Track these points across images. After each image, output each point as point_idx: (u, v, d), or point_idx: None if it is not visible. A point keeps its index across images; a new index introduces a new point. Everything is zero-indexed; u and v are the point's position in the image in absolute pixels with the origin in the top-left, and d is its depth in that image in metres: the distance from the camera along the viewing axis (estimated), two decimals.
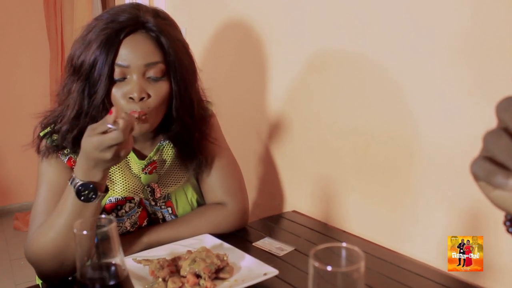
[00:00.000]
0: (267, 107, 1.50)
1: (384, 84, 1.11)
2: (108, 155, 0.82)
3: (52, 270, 0.94)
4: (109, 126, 0.81)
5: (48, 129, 1.02)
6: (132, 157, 1.08)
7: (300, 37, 1.33)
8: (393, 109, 1.09)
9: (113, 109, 0.82)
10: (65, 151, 1.01)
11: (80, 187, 0.86)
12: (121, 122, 0.81)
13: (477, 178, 0.41)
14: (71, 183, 0.87)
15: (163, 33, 0.96)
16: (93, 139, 0.82)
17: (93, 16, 3.09)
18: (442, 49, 0.97)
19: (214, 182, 1.16)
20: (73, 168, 0.98)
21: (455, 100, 0.96)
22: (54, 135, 1.00)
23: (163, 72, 0.97)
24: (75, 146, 0.97)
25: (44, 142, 1.01)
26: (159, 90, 0.97)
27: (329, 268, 0.45)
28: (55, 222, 0.90)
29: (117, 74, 0.94)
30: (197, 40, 1.78)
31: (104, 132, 0.82)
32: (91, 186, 0.86)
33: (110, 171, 1.05)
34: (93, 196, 0.86)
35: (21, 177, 3.50)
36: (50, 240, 0.91)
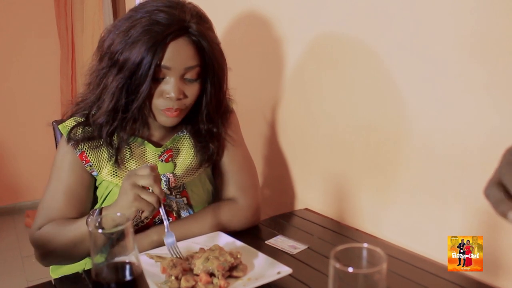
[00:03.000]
0: (278, 104, 1.49)
1: (397, 81, 1.09)
2: (137, 204, 0.89)
3: (51, 257, 1.05)
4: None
5: (80, 119, 1.07)
6: (148, 146, 1.11)
7: (313, 33, 1.31)
8: (406, 106, 1.08)
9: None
10: (80, 146, 1.05)
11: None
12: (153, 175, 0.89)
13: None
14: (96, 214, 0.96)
15: (204, 38, 0.99)
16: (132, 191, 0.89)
17: (103, 15, 3.09)
18: (456, 46, 0.95)
19: (228, 177, 1.17)
20: (83, 162, 1.05)
21: (469, 97, 0.95)
22: (87, 127, 1.05)
23: (199, 75, 1.02)
24: (110, 138, 1.04)
25: (76, 130, 1.06)
26: (194, 91, 1.03)
27: (350, 269, 0.44)
28: (68, 232, 0.99)
29: (158, 74, 0.98)
30: None
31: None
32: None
33: (126, 163, 1.09)
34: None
35: (32, 175, 3.53)
36: (54, 241, 1.00)
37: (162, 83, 1.00)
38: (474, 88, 0.93)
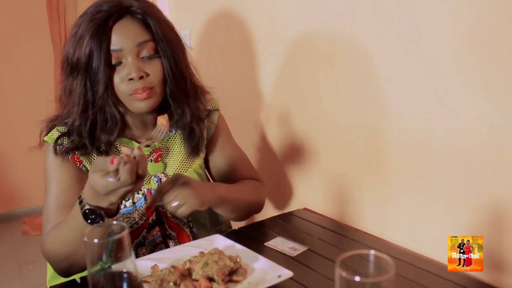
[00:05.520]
0: (275, 105, 1.48)
1: (394, 81, 1.08)
2: (113, 198, 0.80)
3: (64, 268, 0.97)
4: (110, 179, 0.76)
5: (63, 128, 1.04)
6: (135, 146, 1.08)
7: (308, 34, 1.30)
8: (404, 105, 1.07)
9: (114, 160, 0.76)
10: (69, 154, 1.02)
11: (87, 211, 0.84)
12: (122, 172, 0.76)
13: None
14: (79, 203, 0.85)
15: (148, 14, 1.00)
16: (97, 182, 0.78)
17: None
18: (453, 44, 0.94)
19: (235, 161, 1.22)
20: (77, 164, 1.03)
21: (468, 96, 0.94)
22: (72, 136, 1.02)
23: (155, 50, 1.01)
24: (92, 140, 1.01)
25: (62, 141, 1.02)
26: (156, 67, 1.01)
27: (357, 278, 0.43)
28: (64, 232, 0.92)
29: (113, 60, 0.98)
30: (201, 40, 1.76)
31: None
32: (98, 212, 0.83)
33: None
34: (99, 221, 0.84)
35: (28, 181, 3.49)
36: (60, 246, 0.93)
37: (120, 68, 0.98)
38: (472, 87, 0.92)
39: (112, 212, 0.87)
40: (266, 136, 1.54)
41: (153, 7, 1.03)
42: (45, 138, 1.05)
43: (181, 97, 1.07)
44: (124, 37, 0.97)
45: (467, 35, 0.92)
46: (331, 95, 1.27)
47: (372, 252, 0.46)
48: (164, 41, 1.01)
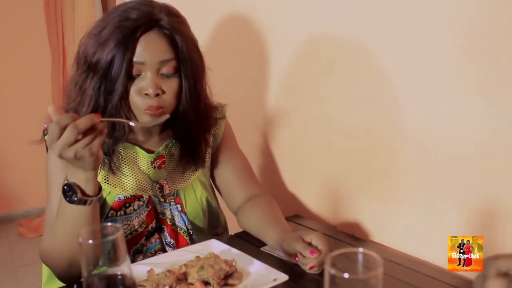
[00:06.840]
0: (271, 107, 1.48)
1: (391, 83, 1.09)
2: (70, 153, 0.79)
3: (63, 270, 0.95)
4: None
5: None
6: (140, 152, 1.08)
7: (307, 35, 1.31)
8: (401, 108, 1.07)
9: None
10: None
11: (65, 187, 0.86)
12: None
13: None
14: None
15: (176, 31, 0.99)
16: (56, 143, 0.79)
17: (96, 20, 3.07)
18: (449, 47, 0.95)
19: (241, 173, 1.20)
20: None
21: (465, 98, 0.94)
22: None
23: (176, 69, 1.00)
24: None
25: None
26: (172, 86, 1.00)
27: (346, 275, 0.43)
28: (56, 224, 0.92)
29: (133, 71, 0.97)
30: (199, 37, 1.76)
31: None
32: (73, 187, 0.85)
33: (118, 169, 1.05)
34: (74, 198, 0.85)
35: (25, 183, 3.49)
36: (54, 242, 0.93)
37: (139, 80, 0.98)
38: (469, 89, 0.93)
39: (94, 191, 0.87)
40: (261, 141, 1.54)
41: (182, 23, 1.02)
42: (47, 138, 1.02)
43: (191, 116, 1.06)
44: (149, 52, 0.96)
45: (465, 39, 0.92)
46: (328, 98, 1.27)
47: (361, 249, 0.47)
48: (188, 62, 1.00)
